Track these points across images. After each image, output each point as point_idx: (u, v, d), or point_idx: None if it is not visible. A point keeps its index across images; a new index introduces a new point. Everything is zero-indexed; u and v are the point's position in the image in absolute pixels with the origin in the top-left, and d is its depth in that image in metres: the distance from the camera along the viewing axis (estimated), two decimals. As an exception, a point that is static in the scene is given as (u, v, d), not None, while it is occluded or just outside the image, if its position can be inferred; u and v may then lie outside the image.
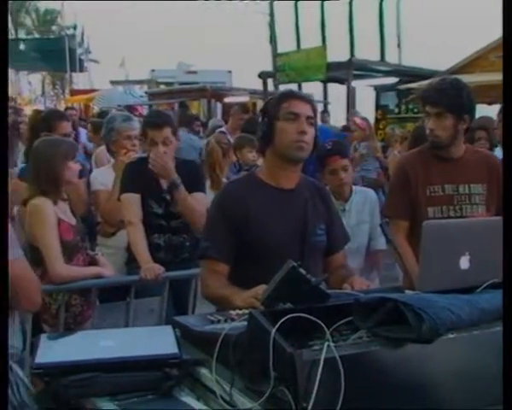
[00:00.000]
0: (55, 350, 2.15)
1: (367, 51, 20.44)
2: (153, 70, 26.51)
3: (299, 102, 2.80)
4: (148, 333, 2.45)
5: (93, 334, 2.46)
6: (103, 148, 5.64)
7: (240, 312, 2.26)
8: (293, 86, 17.57)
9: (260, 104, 16.43)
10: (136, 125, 4.78)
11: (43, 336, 2.37)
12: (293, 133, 2.74)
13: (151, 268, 3.83)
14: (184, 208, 4.08)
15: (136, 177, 4.14)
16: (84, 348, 2.15)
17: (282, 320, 1.80)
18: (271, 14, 21.59)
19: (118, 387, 2.02)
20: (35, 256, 3.53)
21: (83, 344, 2.20)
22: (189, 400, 2.02)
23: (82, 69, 32.34)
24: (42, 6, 48.54)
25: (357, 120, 9.12)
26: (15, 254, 2.61)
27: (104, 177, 4.65)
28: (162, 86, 23.97)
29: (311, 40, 20.36)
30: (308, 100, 2.87)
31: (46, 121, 4.98)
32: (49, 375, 2.05)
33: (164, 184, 4.14)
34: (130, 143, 4.67)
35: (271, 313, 1.91)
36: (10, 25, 46.21)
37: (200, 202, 4.07)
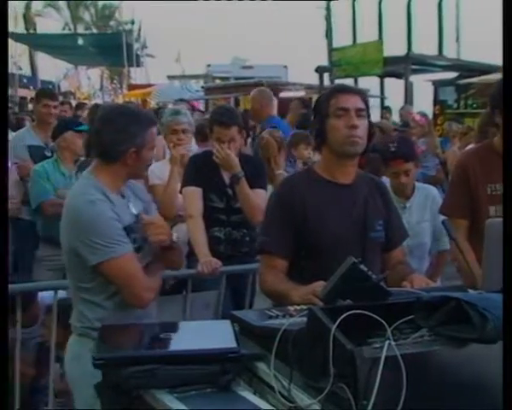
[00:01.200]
0: (116, 342, 2.17)
1: (425, 45, 20.17)
2: (209, 65, 26.71)
3: (347, 96, 2.78)
4: (208, 327, 2.46)
5: (153, 326, 2.48)
6: (160, 139, 5.70)
7: (298, 307, 2.26)
8: (350, 81, 17.46)
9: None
10: (183, 119, 4.79)
11: (105, 328, 2.41)
12: (344, 129, 2.73)
13: (208, 262, 3.85)
14: (244, 202, 4.10)
15: (199, 170, 4.18)
16: (144, 340, 2.17)
17: (343, 317, 1.79)
18: (328, 8, 21.47)
19: (177, 379, 2.03)
20: None
21: (143, 336, 2.22)
22: (246, 394, 2.02)
23: (139, 64, 32.64)
24: (100, 1, 49.27)
25: (416, 117, 8.98)
26: (123, 249, 2.70)
27: (161, 171, 4.69)
28: (218, 81, 24.10)
29: (367, 34, 20.18)
30: (356, 92, 2.85)
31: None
32: (110, 366, 2.08)
33: (226, 178, 4.18)
34: (176, 137, 4.71)
35: (331, 310, 1.90)
36: (69, 20, 47.10)
37: (261, 198, 4.08)
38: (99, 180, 2.80)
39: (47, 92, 6.56)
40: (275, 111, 7.09)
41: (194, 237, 4.06)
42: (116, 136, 2.78)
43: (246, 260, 4.15)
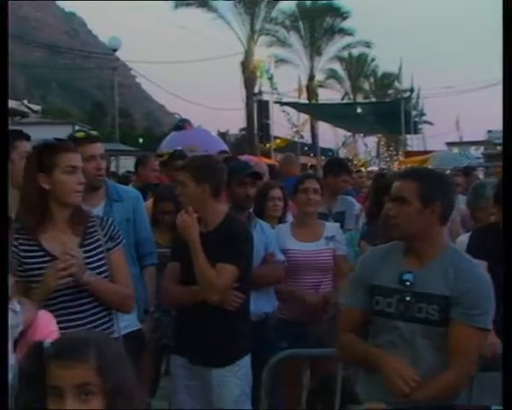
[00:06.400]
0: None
1: None
2: (489, 131, 25.89)
3: None
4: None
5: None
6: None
7: None
8: None
9: None
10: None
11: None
12: None
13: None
14: None
15: (484, 243, 4.02)
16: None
17: None
18: None
19: None
20: None
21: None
22: None
23: (416, 131, 32.58)
24: (380, 70, 50.46)
25: None
26: None
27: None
28: (499, 148, 23.20)
29: None
30: None
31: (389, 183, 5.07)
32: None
33: None
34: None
35: None
36: (349, 89, 48.75)
37: None
38: None
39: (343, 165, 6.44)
40: (297, 171, 8.16)
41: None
42: None
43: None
